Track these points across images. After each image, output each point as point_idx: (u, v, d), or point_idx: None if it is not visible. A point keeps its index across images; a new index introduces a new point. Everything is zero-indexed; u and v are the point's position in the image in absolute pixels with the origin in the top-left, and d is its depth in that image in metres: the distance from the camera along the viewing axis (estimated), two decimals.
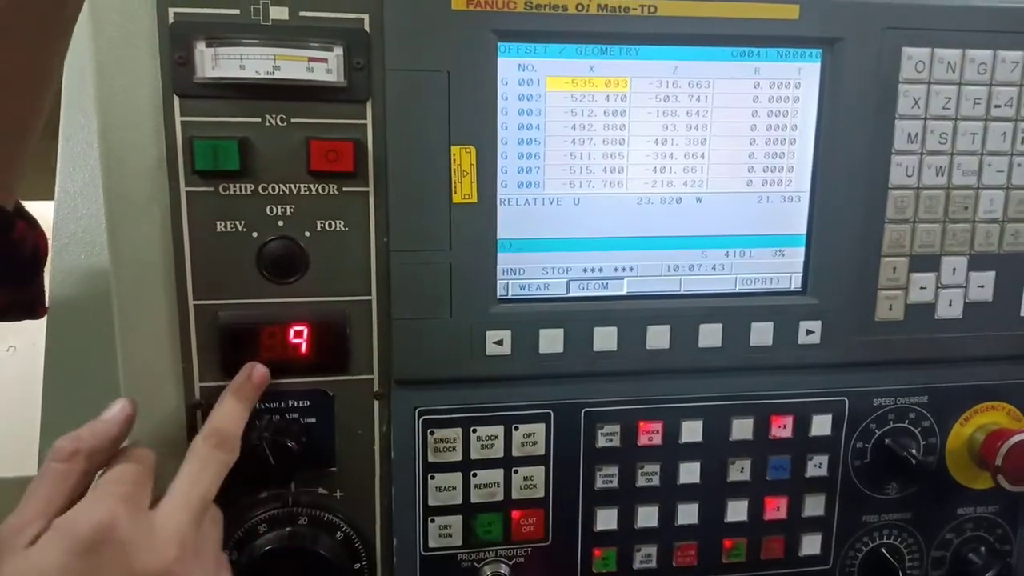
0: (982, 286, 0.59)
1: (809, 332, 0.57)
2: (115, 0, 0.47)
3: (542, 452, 0.57)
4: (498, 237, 0.53)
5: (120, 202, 0.50)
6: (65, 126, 0.78)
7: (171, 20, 0.48)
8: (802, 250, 0.57)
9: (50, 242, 0.76)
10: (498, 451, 0.56)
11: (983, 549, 0.64)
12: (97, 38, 0.48)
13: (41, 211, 0.80)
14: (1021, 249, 0.59)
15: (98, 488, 0.43)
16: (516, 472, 0.57)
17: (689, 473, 0.59)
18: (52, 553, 0.40)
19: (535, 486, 0.57)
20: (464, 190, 0.52)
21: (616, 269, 0.56)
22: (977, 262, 0.59)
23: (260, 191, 0.50)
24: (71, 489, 0.43)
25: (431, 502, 0.56)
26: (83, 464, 0.44)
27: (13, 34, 0.57)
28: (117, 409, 0.47)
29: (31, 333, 0.81)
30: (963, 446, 0.62)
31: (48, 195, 0.78)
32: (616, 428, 0.57)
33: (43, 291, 0.63)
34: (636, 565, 0.59)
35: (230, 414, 0.49)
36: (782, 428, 0.59)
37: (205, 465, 0.46)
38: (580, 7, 0.51)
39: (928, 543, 0.64)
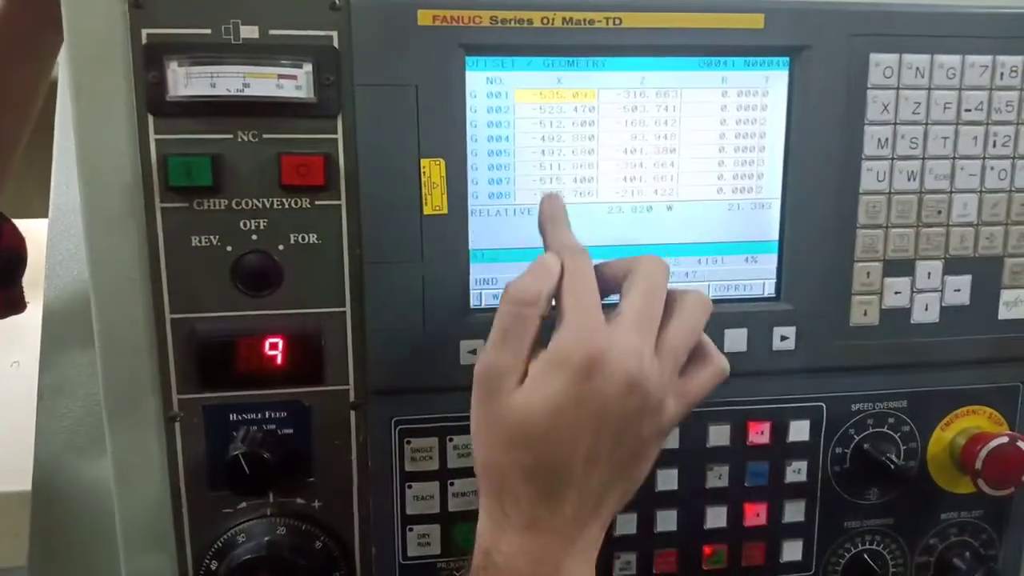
0: (958, 290, 0.59)
1: (784, 338, 0.57)
2: (90, 22, 0.49)
3: None
4: (470, 248, 0.54)
5: (98, 218, 0.51)
6: (59, 145, 0.80)
7: (144, 41, 0.49)
8: (775, 256, 0.58)
9: (44, 259, 0.78)
10: None
11: (968, 554, 0.64)
12: (74, 59, 0.49)
13: (36, 229, 0.82)
14: (996, 252, 0.59)
15: (567, 320, 0.44)
16: None
17: (667, 480, 0.59)
18: (556, 385, 0.42)
19: None
20: (434, 202, 0.53)
21: None
22: (952, 266, 0.59)
23: (234, 206, 0.51)
24: (536, 332, 0.44)
25: (409, 511, 0.57)
26: (544, 308, 0.44)
27: (11, 57, 0.60)
28: (552, 259, 0.46)
29: (35, 349, 0.83)
30: (944, 451, 0.62)
31: (43, 213, 0.80)
32: None
33: (23, 288, 0.69)
34: (616, 573, 0.60)
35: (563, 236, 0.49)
36: (759, 434, 0.59)
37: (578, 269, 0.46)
38: (545, 20, 0.51)
39: (912, 548, 0.64)
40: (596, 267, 0.47)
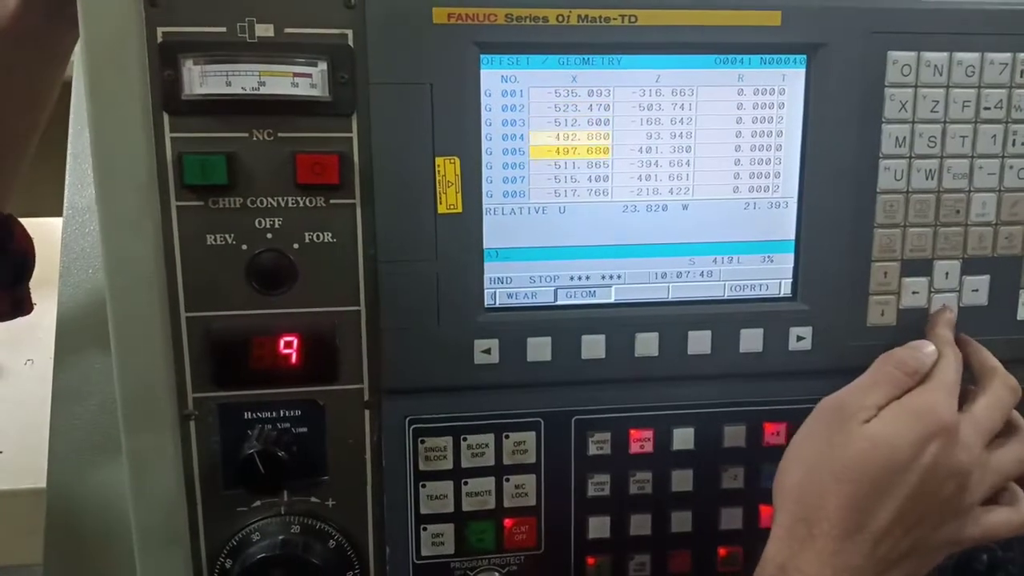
0: (976, 290, 0.58)
1: (800, 338, 0.57)
2: (106, 21, 0.49)
3: (533, 460, 0.57)
4: (484, 247, 0.54)
5: (113, 217, 0.51)
6: (73, 144, 0.80)
7: (160, 39, 0.49)
8: (791, 256, 0.57)
9: (59, 258, 0.78)
10: (489, 459, 0.57)
11: (985, 557, 0.63)
12: (89, 58, 0.49)
13: (50, 228, 0.82)
14: (1015, 252, 0.58)
15: (934, 384, 0.51)
16: (507, 480, 0.57)
17: (682, 481, 0.59)
18: (905, 430, 0.48)
19: (527, 494, 0.58)
20: (449, 200, 0.52)
21: (603, 277, 0.56)
22: (971, 266, 0.58)
23: (249, 205, 0.51)
24: (899, 395, 0.51)
25: (423, 510, 0.57)
26: (916, 381, 0.51)
27: (24, 57, 0.60)
28: (933, 348, 0.53)
29: (49, 347, 0.83)
30: None
31: (57, 212, 0.80)
32: (607, 436, 0.57)
33: (29, 290, 0.69)
34: (630, 573, 0.59)
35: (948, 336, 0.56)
36: (775, 435, 0.59)
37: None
38: (561, 18, 0.51)
39: None
40: (969, 342, 0.56)
